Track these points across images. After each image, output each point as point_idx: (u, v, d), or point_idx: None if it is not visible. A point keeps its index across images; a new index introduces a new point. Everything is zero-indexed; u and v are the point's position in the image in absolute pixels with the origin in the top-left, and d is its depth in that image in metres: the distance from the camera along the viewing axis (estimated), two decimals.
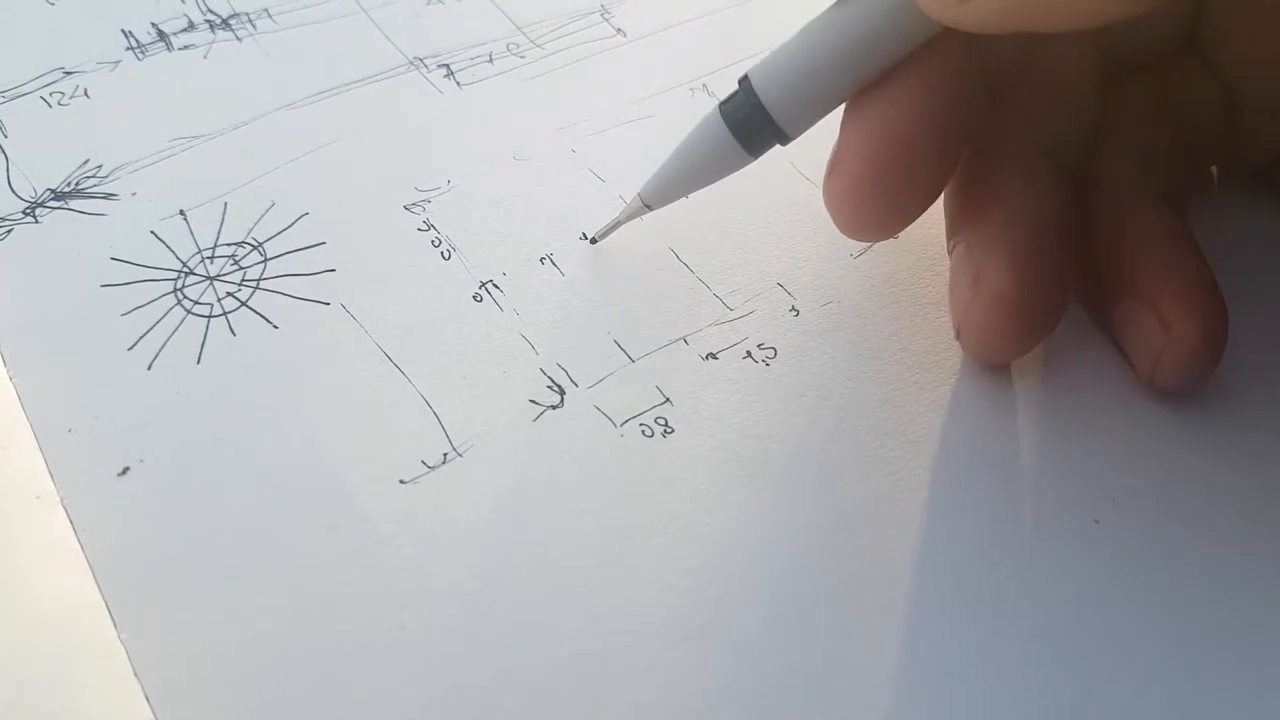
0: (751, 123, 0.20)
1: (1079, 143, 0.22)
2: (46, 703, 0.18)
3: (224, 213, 0.24)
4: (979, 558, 0.20)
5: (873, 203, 0.20)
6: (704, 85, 0.28)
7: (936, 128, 0.20)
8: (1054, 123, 0.22)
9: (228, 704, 0.18)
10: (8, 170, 0.25)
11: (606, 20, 0.30)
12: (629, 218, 0.23)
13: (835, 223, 0.21)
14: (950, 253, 0.22)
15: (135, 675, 0.18)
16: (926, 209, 0.21)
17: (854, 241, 0.24)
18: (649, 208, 0.22)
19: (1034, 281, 0.20)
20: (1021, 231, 0.21)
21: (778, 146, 0.21)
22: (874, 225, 0.21)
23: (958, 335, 0.22)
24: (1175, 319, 0.20)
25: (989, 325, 0.21)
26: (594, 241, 0.24)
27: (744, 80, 0.20)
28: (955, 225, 0.22)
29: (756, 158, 0.21)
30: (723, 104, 0.20)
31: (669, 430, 0.21)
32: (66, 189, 0.25)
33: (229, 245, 0.24)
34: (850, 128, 0.20)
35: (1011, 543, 0.20)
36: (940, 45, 0.19)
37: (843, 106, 0.20)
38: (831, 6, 0.19)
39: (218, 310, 0.23)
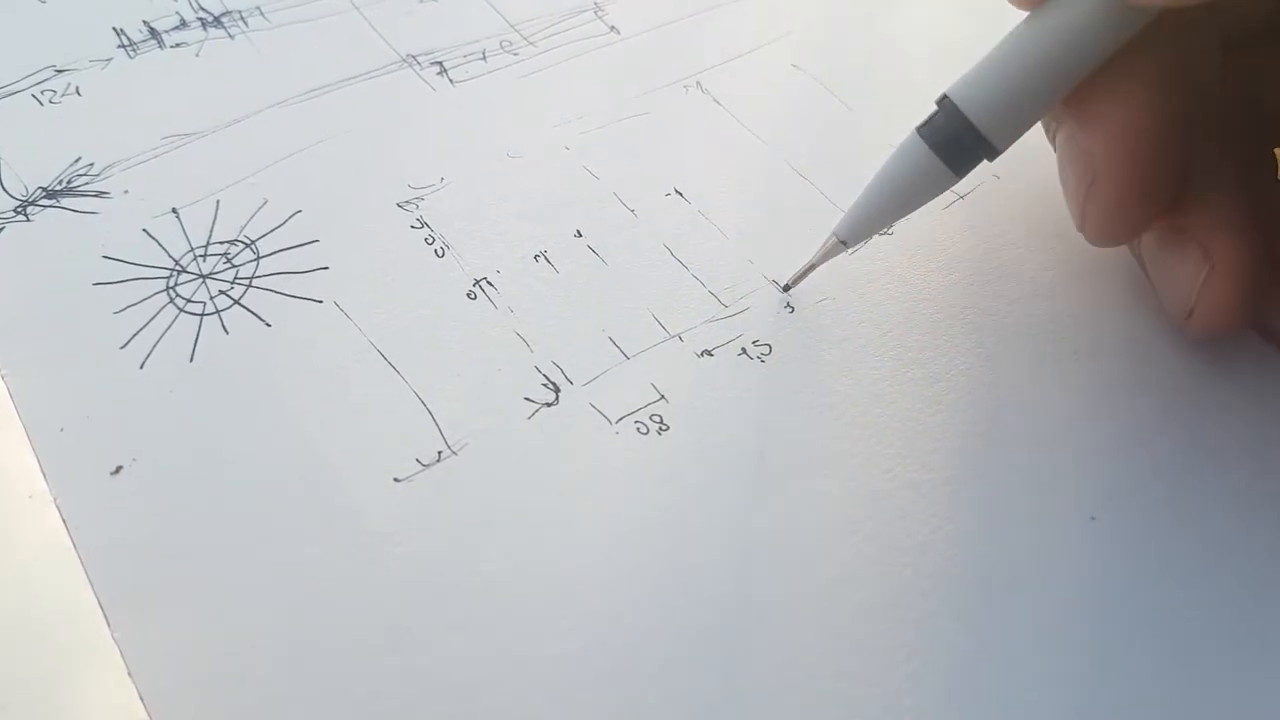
0: (959, 142, 0.20)
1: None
2: (40, 702, 0.17)
3: (216, 210, 0.24)
4: (974, 554, 0.20)
5: (1141, 205, 0.20)
6: (698, 82, 0.28)
7: (1184, 113, 0.19)
8: (1215, 84, 0.21)
9: (222, 703, 0.18)
10: None
11: (600, 18, 0.30)
12: (824, 259, 0.22)
13: (1094, 234, 0.21)
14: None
15: (129, 674, 0.18)
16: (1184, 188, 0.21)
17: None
18: (845, 245, 0.22)
19: (1258, 246, 0.20)
20: (1233, 198, 0.20)
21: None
22: (1139, 228, 0.21)
23: (1188, 317, 0.21)
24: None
25: (1229, 300, 0.20)
26: (787, 289, 0.23)
27: (944, 100, 0.20)
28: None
29: (962, 177, 0.21)
30: (920, 127, 0.20)
31: (664, 428, 0.21)
32: (58, 187, 0.25)
33: (221, 243, 0.24)
34: (1095, 136, 0.20)
35: (1007, 540, 0.20)
36: (1151, 31, 0.19)
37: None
38: (1029, 16, 0.19)
39: (210, 308, 0.23)
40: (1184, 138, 0.20)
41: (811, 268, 0.22)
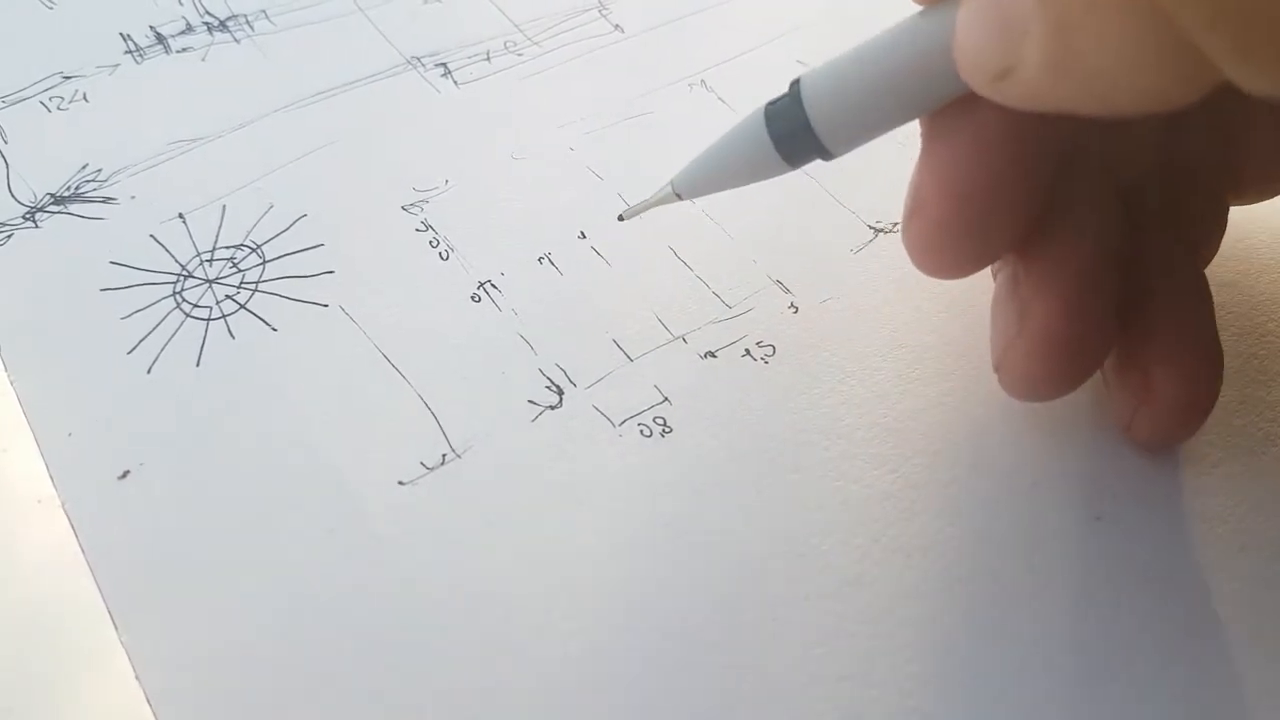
0: (795, 138, 0.18)
1: (1153, 183, 0.20)
2: (47, 705, 0.18)
3: (222, 215, 0.24)
4: (979, 554, 0.20)
5: (959, 248, 0.19)
6: (702, 81, 0.28)
7: (1026, 162, 0.18)
8: (1131, 157, 0.20)
9: (228, 705, 0.18)
10: (8, 175, 0.25)
11: (604, 16, 0.30)
12: (659, 203, 0.21)
13: (916, 265, 0.19)
14: (995, 275, 0.21)
15: (136, 677, 0.18)
16: (1020, 237, 0.19)
17: (852, 237, 0.24)
18: (679, 197, 0.20)
19: (1083, 323, 0.19)
20: (1077, 268, 0.19)
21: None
22: (959, 268, 0.19)
23: (996, 369, 0.20)
24: (1159, 375, 0.19)
25: (1032, 366, 0.19)
26: (621, 219, 0.22)
27: (794, 85, 0.18)
28: None
29: (796, 168, 0.19)
30: (770, 104, 0.19)
31: (667, 430, 0.21)
32: (66, 193, 0.25)
33: (227, 248, 0.24)
34: (929, 165, 0.18)
35: (1012, 540, 0.20)
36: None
37: (913, 125, 0.18)
38: (908, 18, 0.17)
39: (216, 313, 0.23)
40: (1025, 189, 0.18)
41: (647, 206, 0.21)
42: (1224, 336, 0.22)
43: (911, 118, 0.18)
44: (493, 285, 0.23)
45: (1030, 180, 0.18)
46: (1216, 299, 0.20)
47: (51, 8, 0.29)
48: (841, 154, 0.18)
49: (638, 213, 0.22)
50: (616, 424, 0.21)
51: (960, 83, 0.16)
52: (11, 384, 0.21)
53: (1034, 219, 0.19)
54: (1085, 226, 0.19)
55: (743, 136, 0.19)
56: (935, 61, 0.16)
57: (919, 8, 0.17)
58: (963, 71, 0.15)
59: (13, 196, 0.25)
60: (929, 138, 0.18)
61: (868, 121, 0.18)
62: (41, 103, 0.27)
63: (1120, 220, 0.20)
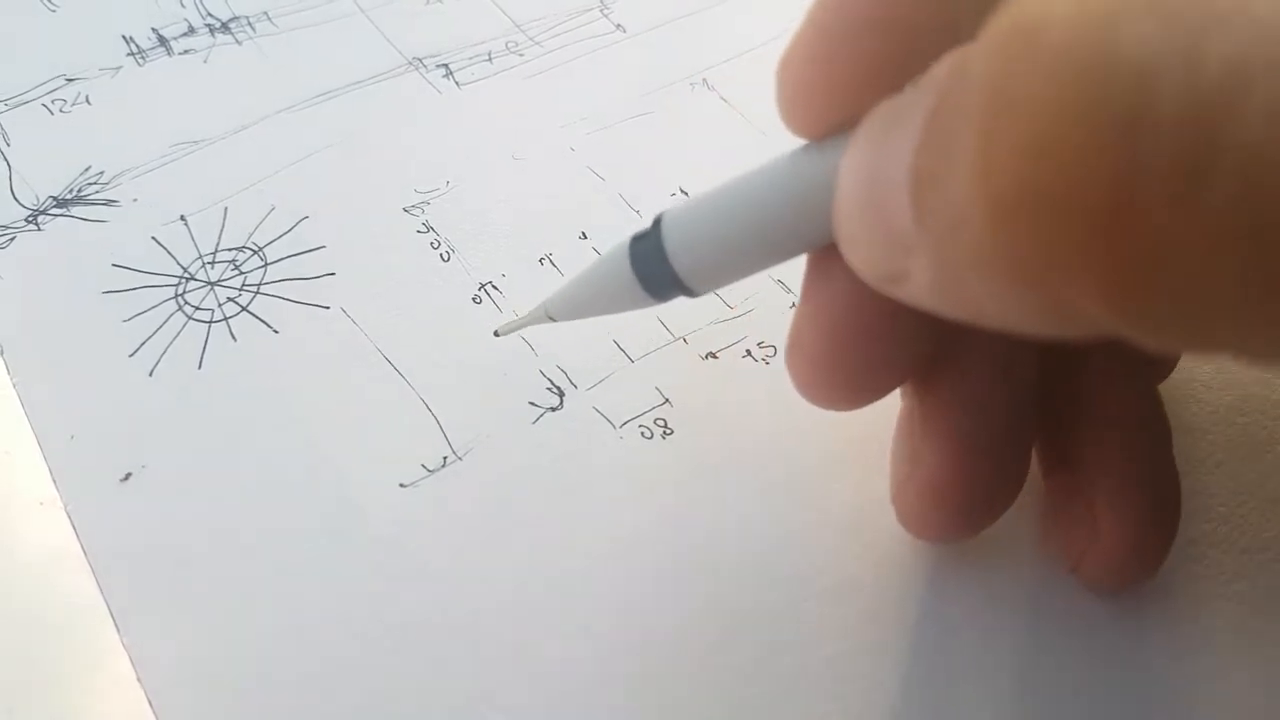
0: (657, 277, 0.17)
1: None
2: (49, 706, 0.18)
3: (224, 217, 0.24)
4: (980, 556, 0.20)
5: (838, 388, 0.17)
6: (704, 80, 0.28)
7: (914, 308, 0.16)
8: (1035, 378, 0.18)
9: (229, 707, 0.18)
10: (11, 178, 0.25)
11: (605, 16, 0.30)
12: (532, 322, 0.20)
13: (800, 395, 0.18)
14: (903, 398, 0.19)
15: (138, 679, 0.18)
16: (910, 378, 0.18)
17: None
18: (553, 319, 0.19)
19: (976, 477, 0.18)
20: (973, 415, 0.17)
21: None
22: (842, 404, 0.18)
23: (892, 502, 0.19)
24: (1107, 517, 0.18)
25: (923, 512, 0.18)
26: (497, 335, 0.22)
27: (656, 224, 0.17)
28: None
29: (664, 302, 0.18)
30: (635, 239, 0.17)
31: (668, 431, 0.21)
32: (69, 196, 0.25)
33: (229, 250, 0.24)
34: (807, 302, 0.17)
35: (1013, 541, 0.20)
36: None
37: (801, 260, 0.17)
38: (781, 157, 0.16)
39: (218, 316, 0.23)
40: (912, 328, 0.17)
41: (522, 324, 0.20)
42: None
43: (781, 261, 0.16)
44: (494, 286, 0.23)
45: (917, 326, 0.16)
46: None
47: (54, 10, 0.29)
48: (707, 293, 0.17)
49: (512, 330, 0.21)
50: (617, 425, 0.21)
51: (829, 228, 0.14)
52: (14, 386, 0.21)
53: (926, 359, 0.18)
54: (986, 366, 0.18)
55: (607, 270, 0.18)
56: (807, 209, 0.15)
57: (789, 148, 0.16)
58: (849, 260, 0.14)
59: (15, 199, 0.25)
60: (809, 274, 0.17)
61: (733, 266, 0.17)
62: (44, 105, 0.27)
63: (1033, 354, 0.18)
